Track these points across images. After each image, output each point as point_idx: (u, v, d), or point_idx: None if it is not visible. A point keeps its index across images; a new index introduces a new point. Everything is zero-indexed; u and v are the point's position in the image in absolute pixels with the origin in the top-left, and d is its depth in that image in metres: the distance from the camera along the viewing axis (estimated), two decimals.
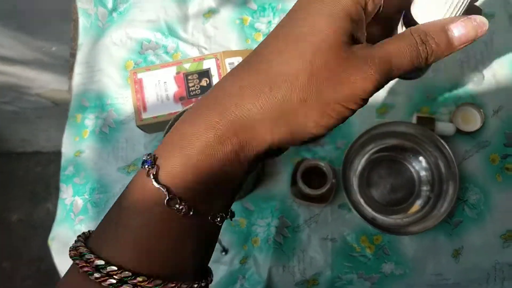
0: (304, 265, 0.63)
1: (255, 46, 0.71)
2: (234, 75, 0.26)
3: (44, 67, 1.20)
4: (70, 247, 0.26)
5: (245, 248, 0.65)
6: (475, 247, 0.61)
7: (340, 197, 0.64)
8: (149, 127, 0.66)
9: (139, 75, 0.66)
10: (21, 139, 1.66)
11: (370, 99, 0.56)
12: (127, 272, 0.24)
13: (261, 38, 0.72)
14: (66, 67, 1.18)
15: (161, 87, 0.65)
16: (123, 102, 0.71)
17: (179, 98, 0.64)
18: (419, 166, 0.64)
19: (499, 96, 0.65)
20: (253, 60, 0.26)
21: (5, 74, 1.22)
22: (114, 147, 0.70)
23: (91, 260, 0.24)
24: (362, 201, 0.63)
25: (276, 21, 0.72)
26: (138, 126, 0.65)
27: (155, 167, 0.25)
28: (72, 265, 0.26)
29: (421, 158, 0.63)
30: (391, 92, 0.67)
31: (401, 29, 0.32)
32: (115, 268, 0.24)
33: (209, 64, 0.65)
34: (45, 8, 0.94)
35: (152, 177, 0.25)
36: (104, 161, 0.70)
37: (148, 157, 0.26)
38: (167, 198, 0.24)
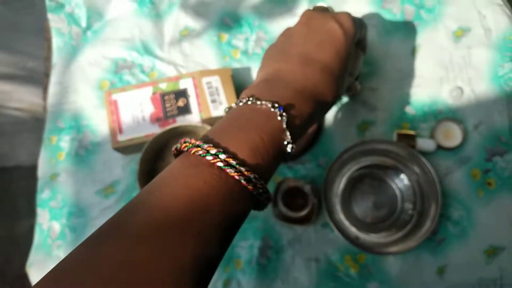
0: (288, 286, 0.62)
1: (233, 63, 0.70)
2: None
3: (21, 82, 1.18)
4: (177, 147, 0.34)
5: (227, 270, 0.63)
6: (460, 264, 0.61)
7: (323, 216, 0.63)
8: (125, 149, 0.64)
9: (114, 96, 0.64)
10: (0, 154, 1.63)
11: (351, 116, 0.68)
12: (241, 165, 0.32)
13: (238, 55, 0.71)
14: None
15: (137, 108, 0.64)
16: (99, 123, 0.70)
17: (155, 119, 0.63)
18: (401, 183, 0.63)
19: (479, 111, 0.65)
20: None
21: None
22: (91, 169, 0.68)
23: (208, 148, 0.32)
24: (344, 220, 0.62)
25: (253, 37, 0.71)
26: (115, 149, 0.63)
27: (285, 116, 0.36)
28: (177, 159, 0.33)
29: (402, 175, 0.63)
30: (371, 108, 0.67)
31: None
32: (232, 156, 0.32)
33: (186, 83, 0.64)
34: (20, 24, 0.91)
35: (284, 120, 0.36)
36: (81, 184, 0.68)
37: (276, 104, 0.36)
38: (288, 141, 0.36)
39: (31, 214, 1.64)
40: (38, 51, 0.99)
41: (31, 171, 1.68)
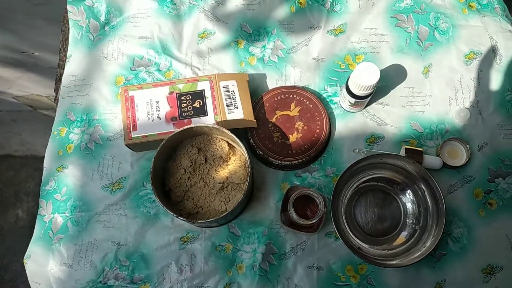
0: None
1: (249, 69, 0.71)
2: None
3: (25, 70, 1.17)
4: None
5: (229, 273, 0.64)
6: (457, 281, 0.62)
7: (327, 225, 0.64)
8: (137, 146, 0.64)
9: (131, 93, 0.65)
10: None
11: (360, 129, 0.63)
12: None
13: (255, 62, 0.72)
14: (48, 74, 1.16)
15: (153, 106, 0.64)
16: (111, 118, 0.70)
17: (171, 119, 0.63)
18: (406, 198, 0.65)
19: (485, 133, 0.67)
20: None
21: None
22: (99, 164, 0.68)
23: None
24: (349, 230, 0.63)
25: (270, 46, 0.72)
26: (127, 145, 0.63)
27: None
28: None
29: (409, 191, 0.64)
30: (380, 123, 0.68)
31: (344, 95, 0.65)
32: None
33: (203, 85, 0.65)
34: (35, 13, 0.91)
35: None
36: (88, 178, 0.68)
37: None
38: None
39: (19, 204, 1.61)
40: (48, 41, 0.99)
41: (21, 161, 1.65)
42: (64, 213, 0.67)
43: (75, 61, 0.73)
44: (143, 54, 0.72)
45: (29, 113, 1.43)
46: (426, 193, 0.63)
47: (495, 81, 0.68)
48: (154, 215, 0.66)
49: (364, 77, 0.60)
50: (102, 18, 0.74)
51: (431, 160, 0.65)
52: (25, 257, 0.67)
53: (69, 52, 0.73)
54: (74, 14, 0.73)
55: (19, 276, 1.47)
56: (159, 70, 0.71)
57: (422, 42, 0.71)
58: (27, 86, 1.26)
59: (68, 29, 0.74)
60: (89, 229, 0.66)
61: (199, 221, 0.56)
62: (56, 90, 0.73)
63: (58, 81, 0.73)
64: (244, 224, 0.66)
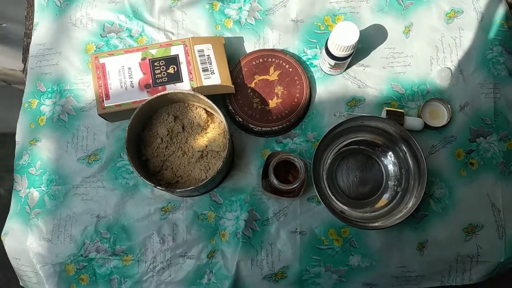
0: (272, 258, 0.63)
1: (225, 32, 0.68)
2: None
3: None
4: None
5: (212, 241, 0.63)
6: (439, 240, 0.63)
7: (309, 189, 0.63)
8: (111, 116, 0.62)
9: (102, 60, 0.62)
10: None
11: (341, 92, 0.62)
12: None
13: (231, 25, 0.69)
14: (20, 46, 1.10)
15: (125, 73, 0.61)
16: (83, 88, 0.67)
17: (144, 86, 0.61)
18: (388, 160, 0.64)
19: (466, 92, 0.66)
20: None
21: None
22: (73, 136, 0.66)
23: None
24: (331, 194, 0.63)
25: (247, 7, 0.69)
26: (100, 115, 0.61)
27: None
28: None
29: (390, 153, 0.64)
30: (361, 85, 0.67)
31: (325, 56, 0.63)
32: None
33: (177, 50, 0.62)
34: None
35: None
36: (62, 151, 0.66)
37: None
38: None
39: None
40: (18, 11, 0.94)
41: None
42: (40, 187, 0.65)
43: (42, 29, 0.69)
44: (114, 20, 0.69)
45: (3, 88, 1.37)
46: (407, 155, 0.62)
47: (476, 40, 0.67)
48: (133, 186, 0.64)
49: (344, 37, 0.58)
50: None
51: (412, 122, 0.64)
52: (2, 234, 0.65)
53: (35, 20, 0.69)
54: None
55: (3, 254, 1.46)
56: (131, 36, 0.68)
57: (402, 0, 0.69)
58: (0, 61, 1.21)
59: None
60: (67, 202, 0.64)
61: (178, 190, 0.55)
62: (24, 60, 0.70)
63: (25, 51, 0.70)
64: (226, 192, 0.65)
